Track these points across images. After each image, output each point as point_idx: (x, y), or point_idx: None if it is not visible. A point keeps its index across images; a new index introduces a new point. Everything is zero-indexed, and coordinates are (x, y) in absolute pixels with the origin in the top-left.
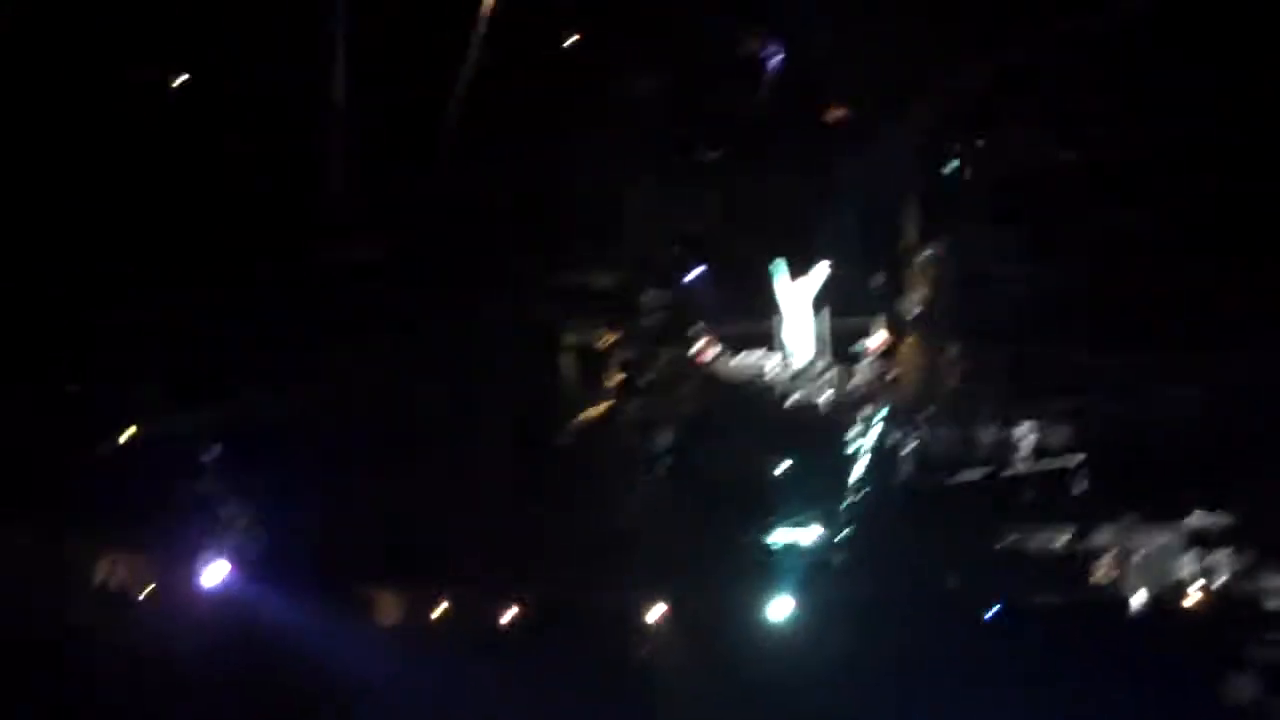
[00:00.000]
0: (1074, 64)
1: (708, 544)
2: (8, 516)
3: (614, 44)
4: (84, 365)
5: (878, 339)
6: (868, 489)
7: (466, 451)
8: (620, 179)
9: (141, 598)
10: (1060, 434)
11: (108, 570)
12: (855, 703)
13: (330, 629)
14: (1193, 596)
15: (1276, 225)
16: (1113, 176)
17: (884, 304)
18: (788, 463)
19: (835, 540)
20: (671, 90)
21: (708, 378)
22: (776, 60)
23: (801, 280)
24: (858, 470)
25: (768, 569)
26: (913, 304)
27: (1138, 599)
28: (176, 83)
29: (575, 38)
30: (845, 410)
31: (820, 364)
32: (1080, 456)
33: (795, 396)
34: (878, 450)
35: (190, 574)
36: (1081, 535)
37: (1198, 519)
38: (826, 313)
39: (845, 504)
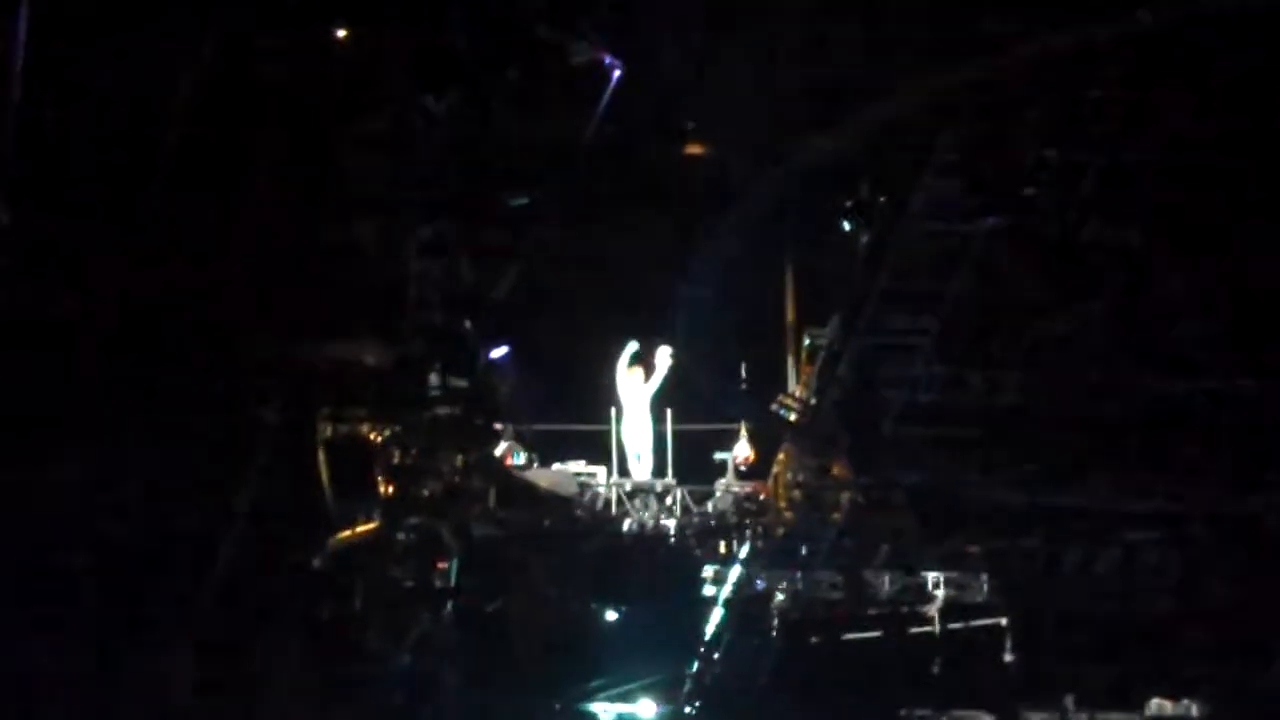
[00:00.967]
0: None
1: (505, 717)
2: None
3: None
4: None
5: (741, 451)
6: (724, 652)
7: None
8: (397, 227)
9: None
10: (979, 586)
11: None
12: None
13: None
14: None
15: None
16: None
17: (749, 407)
18: (616, 612)
19: (679, 718)
20: (468, 112)
21: (512, 490)
22: (613, 76)
23: (640, 371)
24: (711, 625)
25: None
26: (790, 408)
27: None
28: None
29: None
30: (696, 542)
31: (664, 481)
32: (1004, 619)
33: (630, 522)
34: (739, 599)
35: None
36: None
37: (1156, 709)
38: (669, 415)
39: (693, 671)
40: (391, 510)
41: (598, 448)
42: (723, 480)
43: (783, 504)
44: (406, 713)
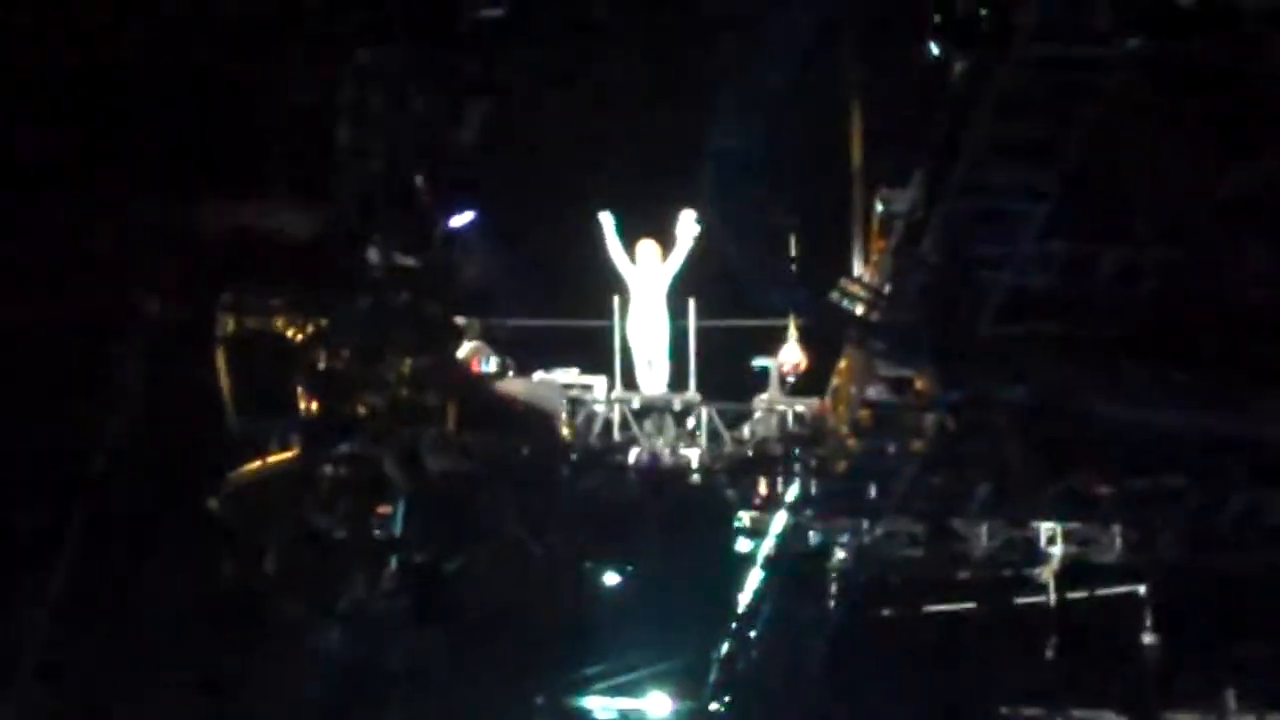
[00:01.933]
0: None
1: (468, 713)
2: None
3: None
4: None
5: (789, 357)
6: (764, 629)
7: None
8: (326, 46)
9: None
10: (1111, 545)
11: None
12: None
13: None
14: None
15: None
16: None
17: (800, 296)
18: (619, 574)
19: (703, 716)
20: None
21: (479, 408)
22: None
23: (653, 247)
24: (748, 593)
25: None
26: (856, 298)
27: None
28: None
29: None
30: (728, 480)
31: (684, 396)
32: (1142, 587)
33: (638, 451)
34: (784, 555)
35: None
36: None
37: None
38: (692, 307)
39: (724, 650)
40: (316, 434)
41: (595, 351)
42: (764, 396)
43: (845, 429)
44: (334, 707)
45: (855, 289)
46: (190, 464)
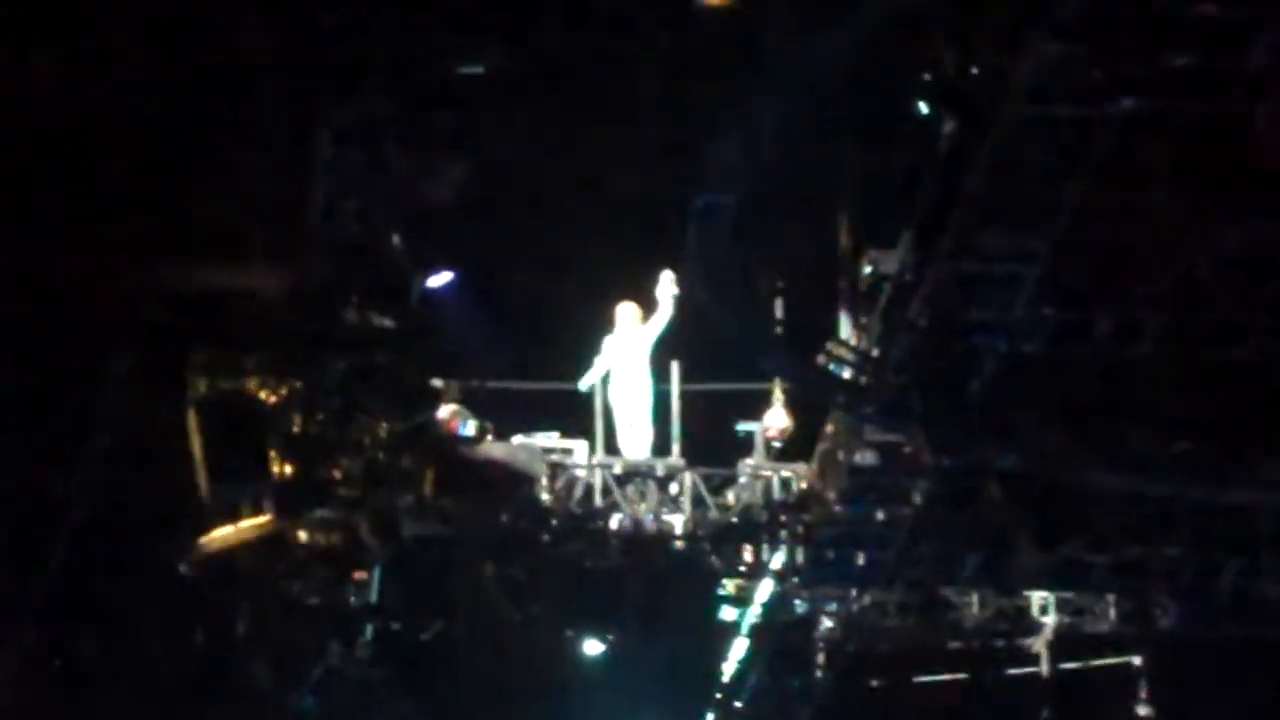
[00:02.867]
0: None
1: None
2: None
3: None
4: None
5: (775, 421)
6: (750, 698)
7: None
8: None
9: None
10: (1105, 614)
11: None
12: None
13: None
14: None
15: None
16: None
17: (787, 360)
18: (601, 642)
19: None
20: None
21: (458, 473)
22: None
23: (633, 309)
24: (732, 658)
25: None
26: (844, 362)
27: None
28: None
29: None
30: (711, 546)
31: (667, 461)
32: (1137, 658)
33: (620, 518)
34: (770, 624)
35: None
36: None
37: None
38: (676, 371)
39: None
40: (289, 499)
41: (577, 414)
42: (749, 461)
43: (832, 495)
44: None
45: (843, 352)
46: (161, 528)
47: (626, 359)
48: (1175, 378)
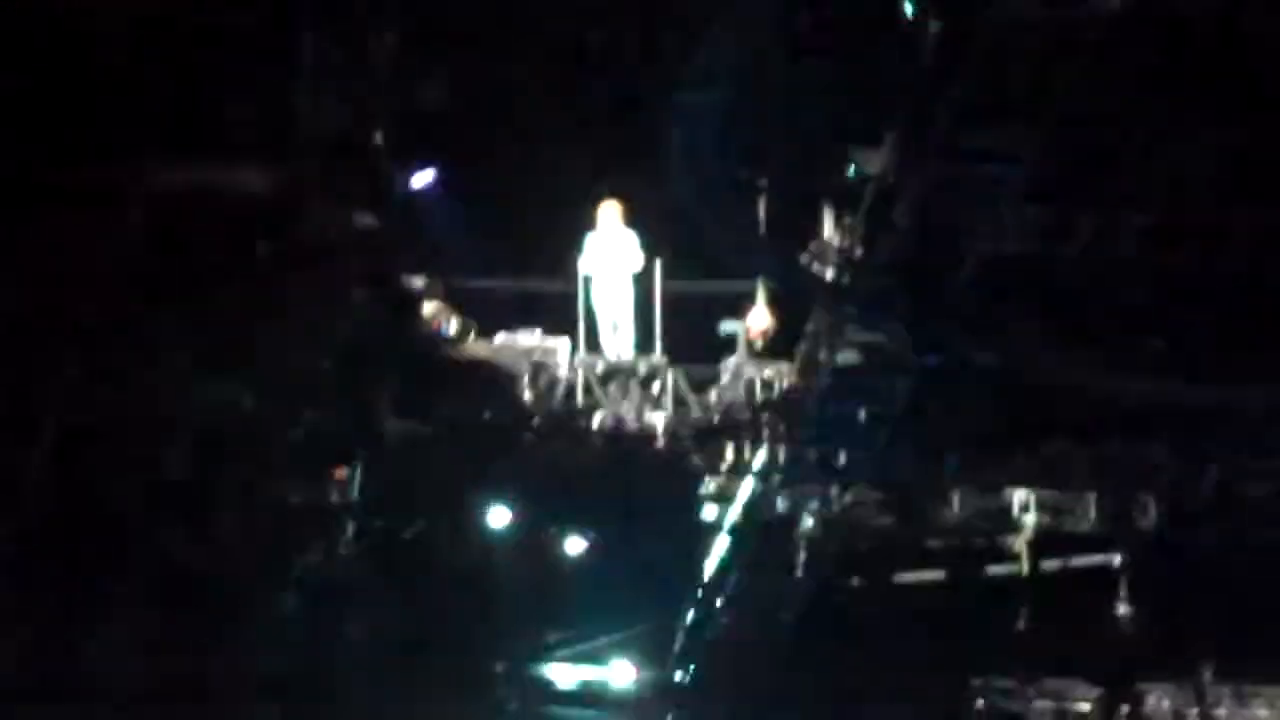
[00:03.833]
0: None
1: (425, 683)
2: None
3: None
4: None
5: (757, 321)
6: (731, 597)
7: None
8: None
9: None
10: (1086, 514)
11: None
12: None
13: None
14: None
15: None
16: None
17: (769, 260)
18: (582, 540)
19: (667, 685)
20: None
21: (439, 370)
22: None
23: (617, 208)
24: (713, 557)
25: None
26: (826, 261)
27: None
28: None
29: None
30: (693, 445)
31: (650, 359)
32: (1117, 557)
33: (602, 416)
34: (751, 522)
35: None
36: (1122, 695)
37: None
38: (658, 269)
39: (691, 618)
40: (268, 394)
41: (559, 313)
42: (731, 360)
43: (814, 394)
44: (290, 678)
45: (825, 252)
46: (137, 423)
47: (609, 257)
48: (1158, 278)
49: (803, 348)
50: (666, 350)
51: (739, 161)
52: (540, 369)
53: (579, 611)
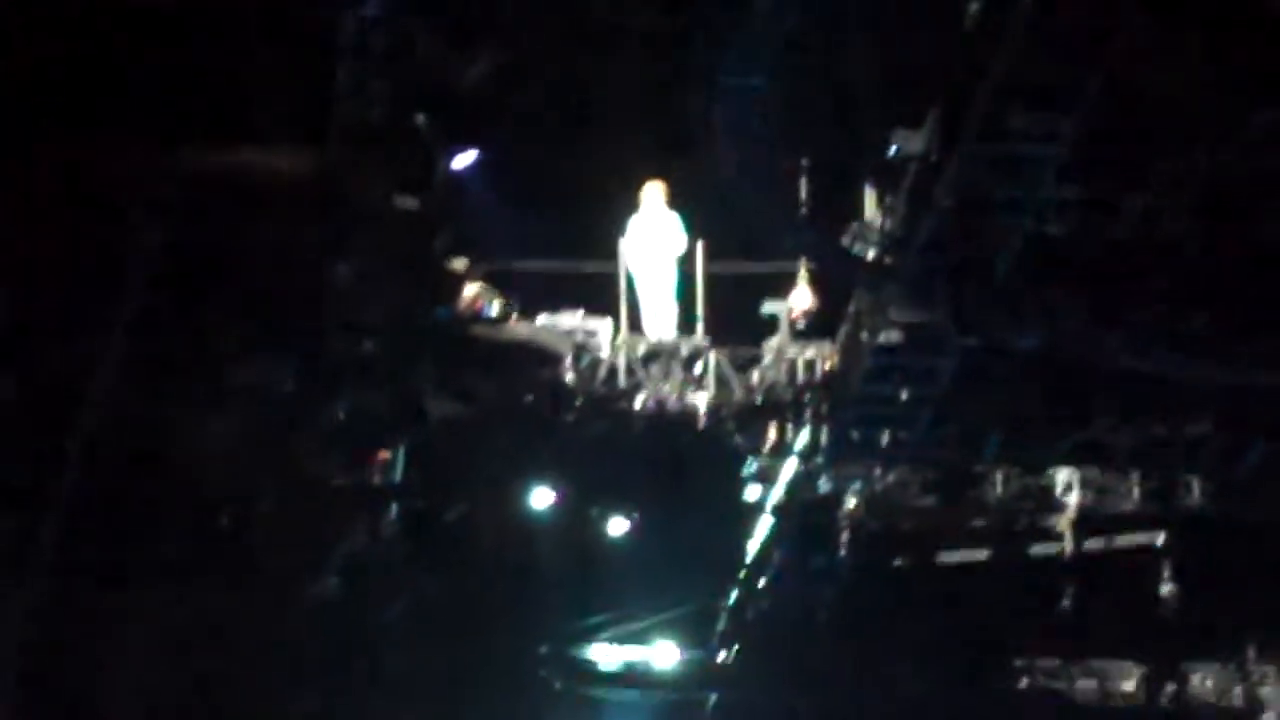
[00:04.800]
0: None
1: (468, 664)
2: None
3: None
4: None
5: (799, 301)
6: (773, 577)
7: None
8: None
9: None
10: (1129, 493)
11: None
12: None
13: None
14: None
15: None
16: None
17: (812, 240)
18: (625, 521)
19: (710, 666)
20: None
21: (481, 352)
22: None
23: (660, 189)
24: (756, 537)
25: (578, 713)
26: (868, 242)
27: None
28: None
29: None
30: (735, 426)
31: (692, 340)
32: (1161, 537)
33: (644, 397)
34: (794, 505)
35: None
36: (1166, 675)
37: None
38: (701, 251)
39: (732, 599)
40: (313, 377)
41: (601, 294)
42: (773, 341)
43: (856, 374)
44: (332, 658)
45: (868, 232)
46: (186, 403)
47: (651, 239)
48: (1200, 259)
49: (845, 328)
50: (709, 331)
51: (781, 142)
52: (582, 350)
53: (621, 593)
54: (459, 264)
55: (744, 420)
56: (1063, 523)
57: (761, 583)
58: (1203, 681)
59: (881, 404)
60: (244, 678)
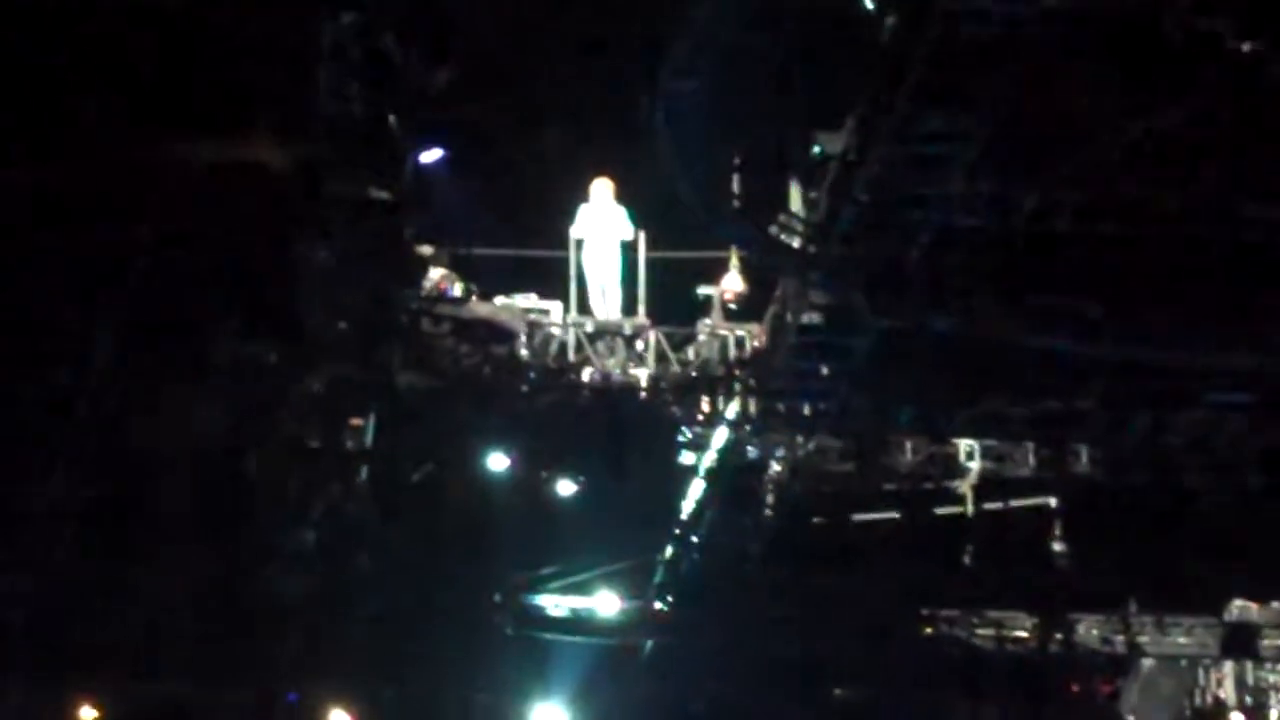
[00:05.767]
0: None
1: (430, 610)
2: None
3: None
4: None
5: (731, 285)
6: (705, 534)
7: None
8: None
9: None
10: (1025, 460)
11: None
12: None
13: None
14: None
15: None
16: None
17: (743, 230)
18: (572, 483)
19: (647, 614)
20: None
21: (448, 329)
22: None
23: (607, 184)
24: (690, 498)
25: (527, 655)
26: (794, 231)
27: None
28: None
29: None
30: (672, 397)
31: (634, 320)
32: (1053, 500)
33: (591, 371)
34: (724, 469)
35: None
36: (1056, 624)
37: (1239, 611)
38: (643, 239)
39: (665, 557)
40: (294, 351)
41: (553, 277)
42: (707, 321)
43: (781, 352)
44: (310, 605)
45: (793, 223)
46: (178, 375)
47: (599, 228)
48: (1091, 249)
49: (771, 310)
50: (649, 312)
51: (716, 142)
52: (535, 328)
53: (568, 547)
54: (426, 249)
55: (680, 392)
56: (964, 486)
57: (694, 539)
58: (1088, 630)
59: (804, 379)
60: (236, 616)
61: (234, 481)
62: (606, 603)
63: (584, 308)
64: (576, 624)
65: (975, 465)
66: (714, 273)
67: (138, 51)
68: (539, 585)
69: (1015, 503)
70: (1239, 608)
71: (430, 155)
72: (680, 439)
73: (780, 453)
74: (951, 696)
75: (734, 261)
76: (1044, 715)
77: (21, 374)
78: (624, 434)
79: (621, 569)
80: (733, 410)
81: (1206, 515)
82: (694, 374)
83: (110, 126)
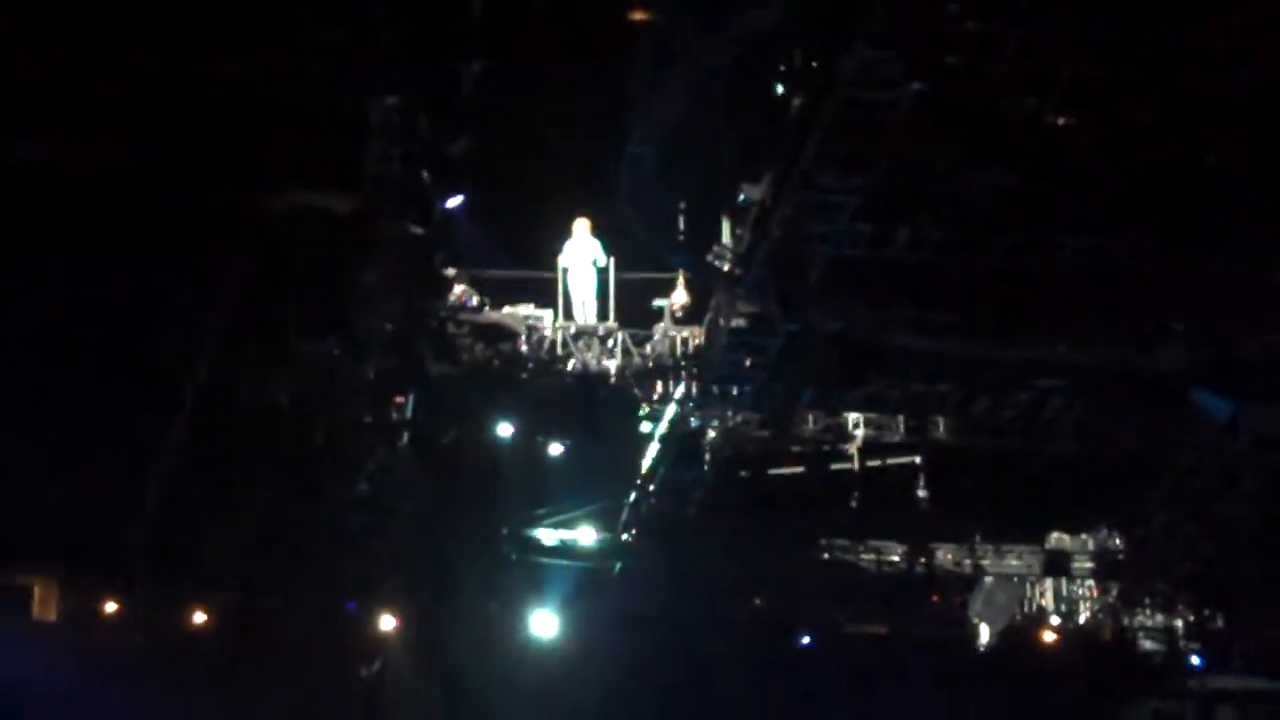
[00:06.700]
0: None
1: (454, 540)
2: None
3: None
4: None
5: (678, 298)
6: (660, 483)
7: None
8: (356, 83)
9: None
10: (896, 427)
11: None
12: None
13: None
14: (1049, 633)
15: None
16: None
17: (687, 257)
18: (561, 444)
19: (616, 543)
20: None
21: (467, 331)
22: None
23: (585, 223)
24: (648, 459)
25: (528, 575)
26: (725, 259)
27: (982, 633)
28: None
29: None
30: (635, 382)
31: (606, 325)
32: (918, 458)
33: (573, 363)
34: (674, 435)
35: None
36: (920, 552)
37: (1055, 542)
38: (613, 264)
39: (630, 500)
40: (350, 347)
41: (546, 293)
42: (661, 325)
43: (716, 348)
44: (364, 538)
45: (724, 252)
46: (265, 370)
47: (580, 255)
48: (949, 274)
49: (708, 316)
50: (618, 318)
51: (667, 192)
52: (532, 330)
53: (557, 494)
54: (450, 271)
55: (641, 379)
56: (852, 449)
57: (651, 488)
58: (944, 556)
59: (733, 368)
60: (310, 547)
61: (308, 444)
62: (586, 535)
63: (569, 315)
64: (564, 551)
65: (860, 432)
66: (666, 289)
67: (239, 124)
68: (535, 521)
69: (890, 461)
70: (1056, 539)
71: (453, 201)
72: (641, 413)
73: (715, 423)
74: (843, 604)
75: (681, 281)
76: (911, 619)
77: (163, 365)
78: (598, 410)
79: (597, 509)
80: (679, 392)
81: (1033, 470)
82: (651, 365)
83: (211, 183)
